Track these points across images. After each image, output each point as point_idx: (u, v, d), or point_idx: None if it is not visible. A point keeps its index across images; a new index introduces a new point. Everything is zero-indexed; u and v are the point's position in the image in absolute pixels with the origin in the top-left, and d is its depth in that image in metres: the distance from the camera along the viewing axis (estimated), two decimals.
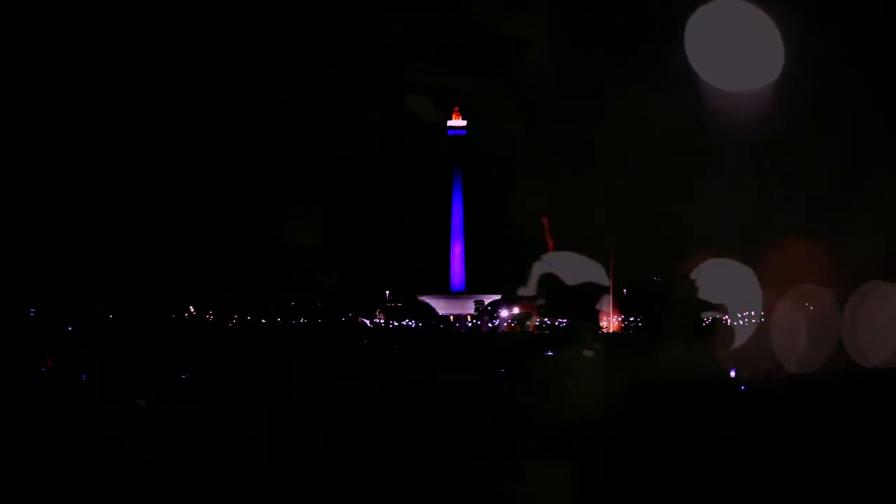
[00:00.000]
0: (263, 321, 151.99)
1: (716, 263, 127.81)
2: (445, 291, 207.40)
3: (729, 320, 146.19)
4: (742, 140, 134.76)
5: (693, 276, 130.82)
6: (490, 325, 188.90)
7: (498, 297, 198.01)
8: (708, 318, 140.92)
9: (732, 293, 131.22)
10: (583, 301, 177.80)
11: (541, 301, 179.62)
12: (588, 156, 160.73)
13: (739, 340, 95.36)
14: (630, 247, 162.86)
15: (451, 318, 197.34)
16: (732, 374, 61.78)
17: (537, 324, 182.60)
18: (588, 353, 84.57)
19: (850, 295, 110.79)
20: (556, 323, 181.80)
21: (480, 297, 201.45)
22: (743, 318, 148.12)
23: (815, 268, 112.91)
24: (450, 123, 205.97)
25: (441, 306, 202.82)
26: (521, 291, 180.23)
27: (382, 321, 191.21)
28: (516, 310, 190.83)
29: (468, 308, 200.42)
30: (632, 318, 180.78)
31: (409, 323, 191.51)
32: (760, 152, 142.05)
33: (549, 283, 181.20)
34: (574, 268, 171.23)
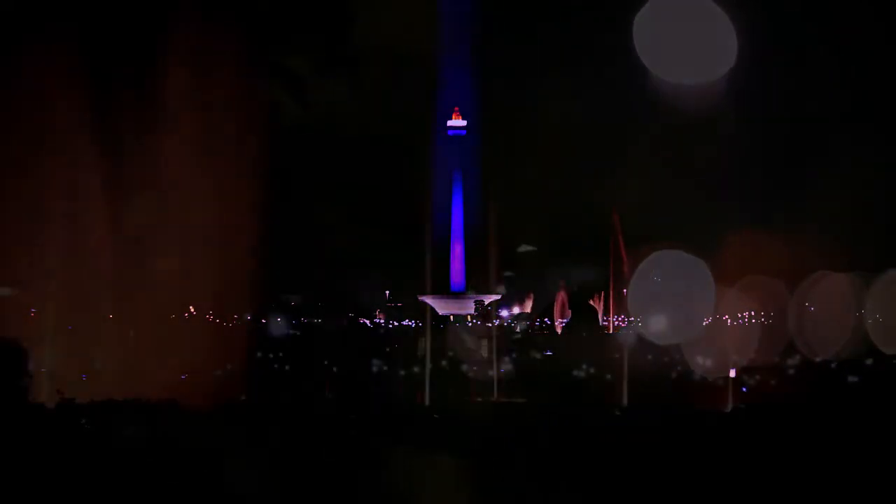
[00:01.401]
0: (263, 321, 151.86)
1: (666, 256, 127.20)
2: (445, 291, 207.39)
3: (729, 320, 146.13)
4: (692, 133, 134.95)
5: (643, 269, 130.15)
6: (490, 325, 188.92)
7: (498, 297, 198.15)
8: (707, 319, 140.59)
9: (685, 286, 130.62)
10: (583, 300, 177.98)
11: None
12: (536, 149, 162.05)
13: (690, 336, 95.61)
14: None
15: (451, 318, 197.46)
16: (732, 373, 61.61)
17: (537, 324, 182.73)
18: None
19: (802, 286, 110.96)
20: (559, 322, 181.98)
21: (480, 297, 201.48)
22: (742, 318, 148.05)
23: (767, 259, 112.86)
24: (450, 123, 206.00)
25: (441, 306, 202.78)
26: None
27: (382, 321, 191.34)
28: (516, 310, 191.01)
29: (468, 308, 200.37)
30: (632, 318, 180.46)
31: (409, 323, 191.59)
32: (712, 145, 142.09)
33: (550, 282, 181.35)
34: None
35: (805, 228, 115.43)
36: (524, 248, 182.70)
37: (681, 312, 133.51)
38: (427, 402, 72.52)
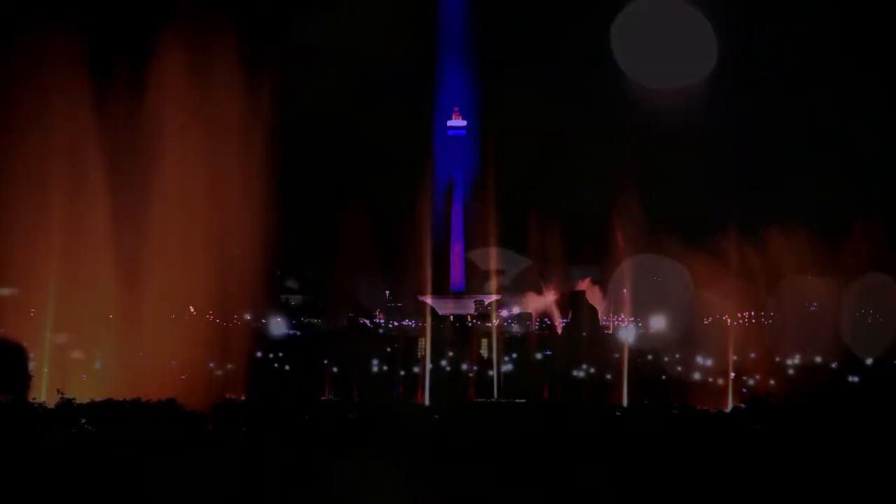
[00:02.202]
0: (263, 321, 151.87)
1: (645, 259, 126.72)
2: (445, 291, 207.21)
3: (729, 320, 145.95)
4: (675, 136, 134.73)
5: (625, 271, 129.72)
6: (489, 325, 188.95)
7: (498, 297, 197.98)
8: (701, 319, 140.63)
9: (664, 291, 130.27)
10: (580, 301, 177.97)
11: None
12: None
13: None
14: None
15: (451, 318, 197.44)
16: (732, 374, 61.67)
17: (537, 324, 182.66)
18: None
19: (782, 290, 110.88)
20: (559, 322, 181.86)
21: (480, 297, 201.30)
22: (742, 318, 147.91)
23: (746, 263, 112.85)
24: (450, 123, 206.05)
25: (441, 306, 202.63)
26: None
27: (382, 321, 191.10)
28: (516, 310, 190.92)
29: (468, 308, 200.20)
30: (632, 318, 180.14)
31: (409, 323, 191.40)
32: (693, 148, 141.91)
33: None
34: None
35: (786, 230, 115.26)
36: (521, 260, 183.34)
37: (665, 314, 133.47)
38: (427, 401, 72.52)
